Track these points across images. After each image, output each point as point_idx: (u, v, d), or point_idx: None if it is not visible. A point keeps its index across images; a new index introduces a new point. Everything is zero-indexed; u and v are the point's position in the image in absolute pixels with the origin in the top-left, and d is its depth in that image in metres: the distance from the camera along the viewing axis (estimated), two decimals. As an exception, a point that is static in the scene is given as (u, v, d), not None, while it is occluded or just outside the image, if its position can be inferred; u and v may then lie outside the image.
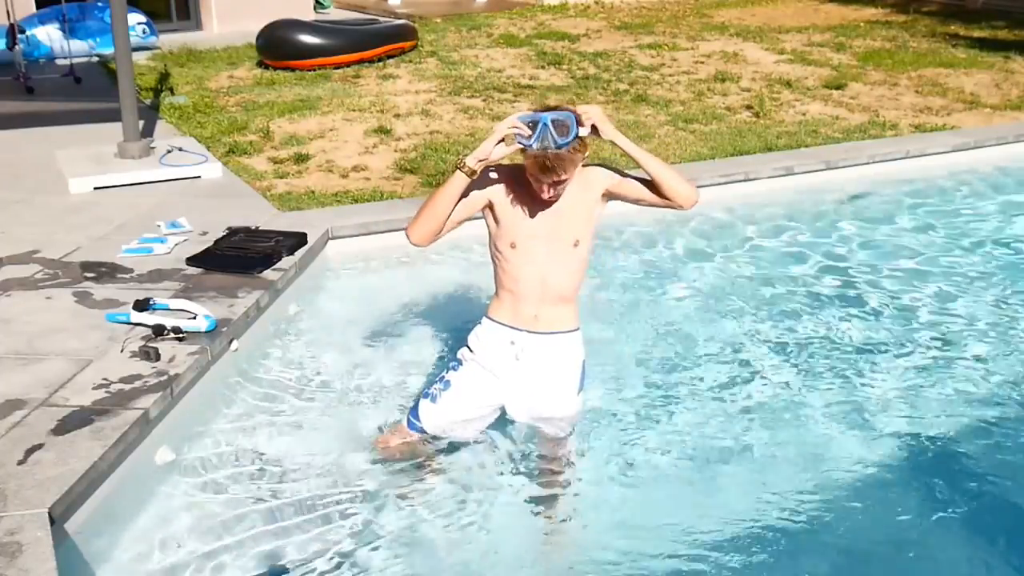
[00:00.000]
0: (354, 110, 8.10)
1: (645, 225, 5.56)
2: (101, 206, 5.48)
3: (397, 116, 7.92)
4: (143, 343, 3.67)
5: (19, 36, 8.88)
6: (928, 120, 7.91)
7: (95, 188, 5.76)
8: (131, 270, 4.49)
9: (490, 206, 3.17)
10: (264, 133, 7.27)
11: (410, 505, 3.22)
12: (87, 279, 4.38)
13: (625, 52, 10.83)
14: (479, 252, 4.56)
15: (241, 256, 4.57)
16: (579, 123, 2.94)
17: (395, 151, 6.95)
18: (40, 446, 2.99)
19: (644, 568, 2.97)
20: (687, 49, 11.03)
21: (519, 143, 2.95)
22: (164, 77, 9.26)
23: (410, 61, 10.27)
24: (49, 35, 9.92)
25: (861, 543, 3.12)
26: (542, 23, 12.97)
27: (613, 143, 3.03)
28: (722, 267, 5.27)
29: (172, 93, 8.62)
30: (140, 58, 9.74)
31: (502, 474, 3.35)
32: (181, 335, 3.72)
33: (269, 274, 4.43)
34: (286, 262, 4.57)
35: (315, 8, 13.69)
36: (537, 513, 3.26)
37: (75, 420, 3.14)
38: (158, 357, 3.56)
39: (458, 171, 3.02)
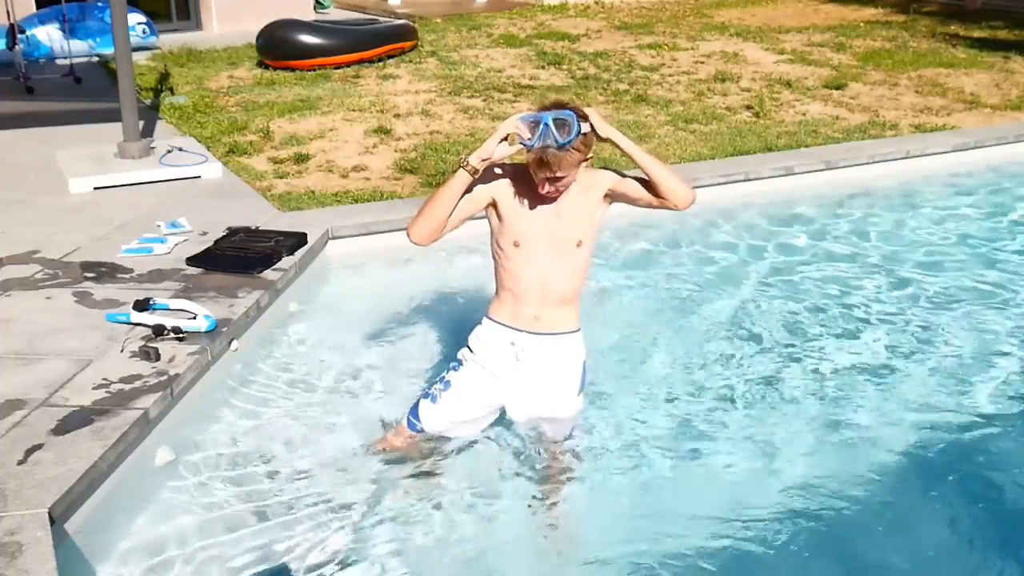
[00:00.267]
0: (354, 110, 8.10)
1: (645, 225, 5.56)
2: (101, 206, 5.48)
3: (397, 116, 7.92)
4: (143, 343, 3.67)
5: (19, 36, 8.87)
6: (928, 120, 7.92)
7: (95, 188, 5.76)
8: (131, 270, 4.49)
9: (493, 204, 3.17)
10: (264, 133, 7.27)
11: (410, 505, 3.22)
12: (87, 279, 4.38)
13: (625, 52, 10.83)
14: (479, 252, 4.56)
15: (241, 256, 4.57)
16: (583, 118, 2.95)
17: (395, 151, 6.95)
18: (40, 446, 2.99)
19: (645, 567, 2.97)
20: (687, 49, 11.03)
21: (521, 144, 2.96)
22: (164, 77, 9.26)
23: (410, 61, 10.27)
24: (49, 35, 9.92)
25: (862, 543, 3.11)
26: (542, 23, 12.97)
27: (610, 141, 3.03)
28: (722, 267, 5.27)
29: (172, 93, 8.62)
30: (140, 58, 9.75)
31: (502, 474, 3.35)
32: (181, 335, 3.71)
33: (269, 274, 4.43)
34: (286, 262, 4.57)
35: (315, 8, 13.69)
36: (537, 513, 3.26)
37: (75, 420, 3.14)
38: (158, 357, 3.56)
39: (461, 170, 3.02)
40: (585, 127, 2.95)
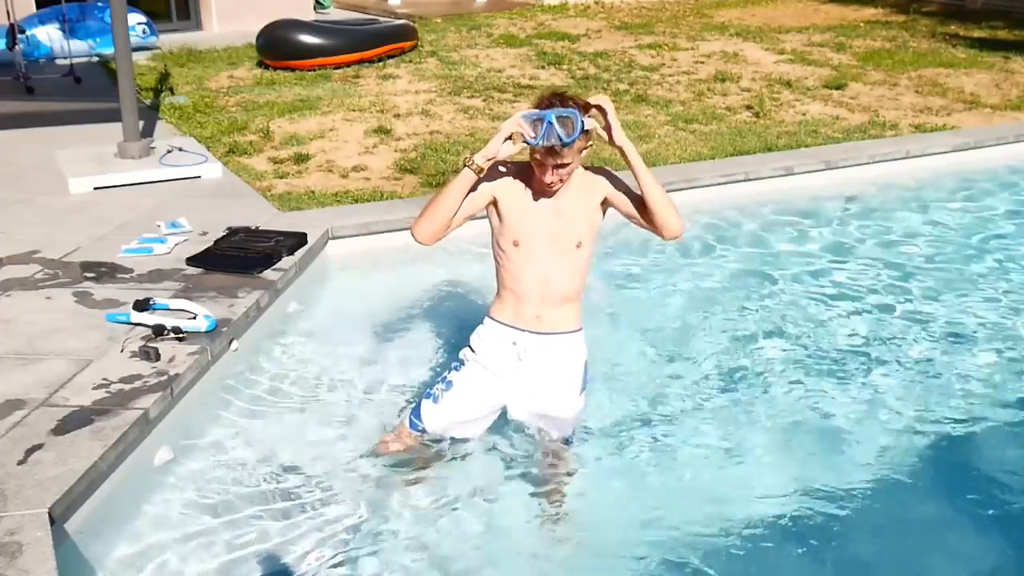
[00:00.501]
0: (354, 110, 8.10)
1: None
2: (101, 206, 5.48)
3: (397, 116, 7.92)
4: (143, 343, 3.66)
5: (19, 36, 8.87)
6: (928, 120, 7.92)
7: (95, 188, 5.76)
8: (131, 270, 4.49)
9: (494, 202, 3.17)
10: (264, 133, 7.27)
11: (412, 505, 3.22)
12: (87, 279, 4.38)
13: (625, 52, 10.83)
14: (480, 252, 4.56)
15: (241, 256, 4.57)
16: (586, 109, 2.96)
17: (395, 151, 6.95)
18: (40, 446, 2.99)
19: (646, 567, 2.97)
20: (687, 49, 11.03)
21: (525, 142, 2.97)
22: (164, 77, 9.26)
23: (410, 61, 10.27)
24: (49, 35, 9.92)
25: (864, 543, 3.11)
26: (542, 23, 12.97)
27: (621, 151, 3.03)
28: (722, 267, 5.27)
29: (172, 93, 8.62)
30: (140, 58, 9.75)
31: (504, 474, 3.35)
32: (181, 335, 3.71)
33: (269, 274, 4.43)
34: (286, 262, 4.57)
35: (315, 8, 13.69)
36: (539, 513, 3.26)
37: (75, 420, 3.14)
38: (158, 357, 3.55)
39: (466, 169, 3.03)
40: (588, 123, 2.96)
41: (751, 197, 6.23)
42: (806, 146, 7.09)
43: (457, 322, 4.19)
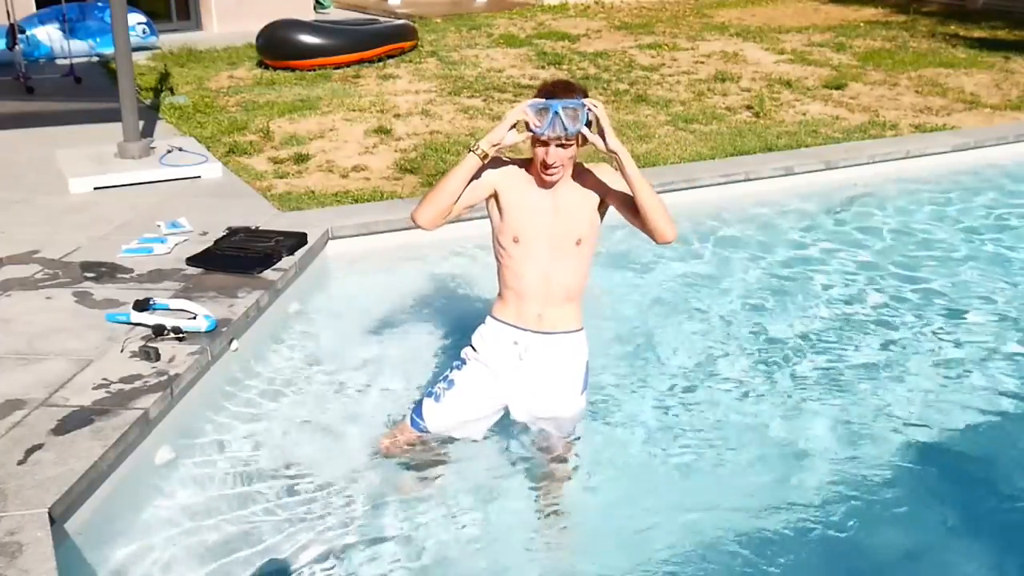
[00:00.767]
0: (354, 110, 8.10)
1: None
2: (101, 206, 5.48)
3: (397, 116, 7.92)
4: (143, 343, 3.66)
5: (19, 36, 8.88)
6: (928, 120, 7.92)
7: (95, 188, 5.76)
8: (131, 270, 4.49)
9: (495, 196, 3.18)
10: (264, 133, 7.27)
11: (412, 504, 3.22)
12: (87, 279, 4.38)
13: (625, 52, 10.83)
14: (480, 252, 4.57)
15: (241, 256, 4.57)
16: (584, 94, 3.00)
17: (395, 151, 6.95)
18: (40, 446, 2.99)
19: (648, 568, 2.97)
20: (687, 49, 11.03)
21: (530, 131, 2.99)
22: (164, 77, 9.26)
23: (410, 61, 10.27)
24: (49, 35, 9.92)
25: (866, 544, 3.11)
26: (542, 23, 12.97)
27: (615, 157, 3.03)
28: (723, 266, 5.27)
29: (172, 93, 8.62)
30: (140, 58, 9.75)
31: (505, 474, 3.35)
32: (181, 335, 3.71)
33: (269, 274, 4.42)
34: (286, 262, 4.57)
35: (315, 8, 13.70)
36: (540, 512, 3.26)
37: (75, 420, 3.14)
38: (158, 357, 3.55)
39: (470, 154, 3.03)
40: (586, 130, 2.98)
41: (751, 197, 6.23)
42: (806, 146, 7.09)
43: (458, 321, 4.20)
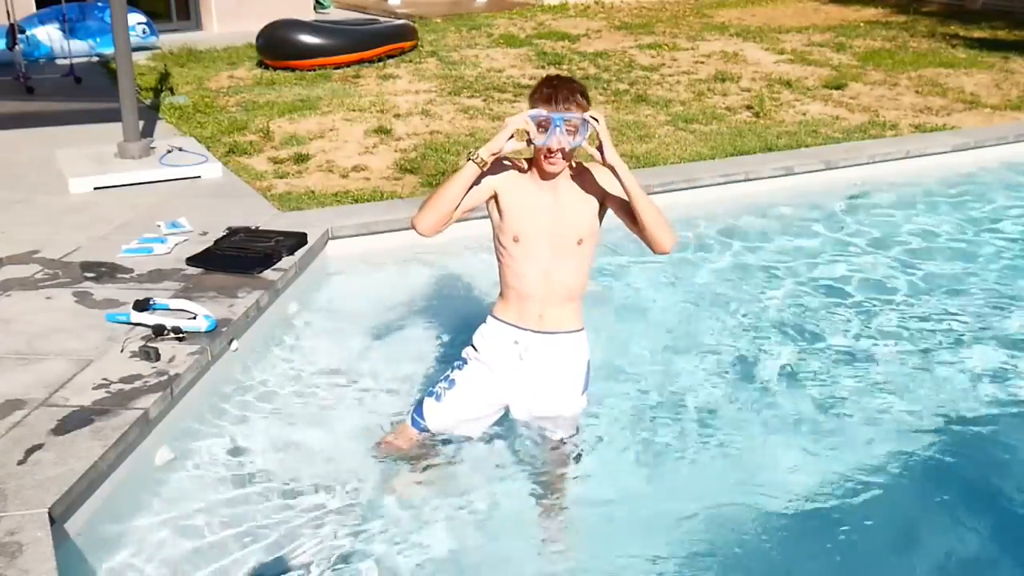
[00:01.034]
0: (354, 110, 8.09)
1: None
2: (101, 206, 5.48)
3: (397, 116, 7.92)
4: (143, 343, 3.66)
5: (19, 36, 8.87)
6: (928, 120, 7.92)
7: (95, 188, 5.76)
8: (131, 270, 4.49)
9: (495, 197, 3.18)
10: (264, 133, 7.27)
11: (413, 504, 3.21)
12: (87, 279, 4.38)
13: (625, 52, 10.83)
14: (481, 252, 4.56)
15: (241, 256, 4.57)
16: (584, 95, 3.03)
17: (395, 151, 6.95)
18: (40, 446, 2.99)
19: (649, 568, 2.97)
20: (687, 49, 11.03)
21: (529, 143, 3.01)
22: (164, 77, 9.26)
23: (410, 61, 10.27)
24: (49, 35, 9.92)
25: (866, 545, 3.11)
26: (542, 23, 12.97)
27: (613, 170, 3.03)
28: (723, 266, 5.27)
29: (172, 93, 8.62)
30: (140, 58, 9.75)
31: (506, 473, 3.35)
32: (181, 335, 3.71)
33: (269, 274, 4.42)
34: (286, 262, 4.57)
35: (315, 8, 13.69)
36: (541, 513, 3.26)
37: (75, 420, 3.14)
38: (158, 357, 3.55)
39: (470, 162, 3.04)
40: (591, 126, 2.98)
41: (751, 197, 6.23)
42: (806, 146, 7.09)
43: (458, 321, 4.20)
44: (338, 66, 9.73)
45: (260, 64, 9.91)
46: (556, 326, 3.26)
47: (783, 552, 3.05)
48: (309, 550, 2.98)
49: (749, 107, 8.34)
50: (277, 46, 9.69)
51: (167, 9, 12.84)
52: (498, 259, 3.29)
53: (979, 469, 3.52)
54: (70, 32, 9.72)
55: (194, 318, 3.81)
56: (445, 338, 4.27)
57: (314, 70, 9.56)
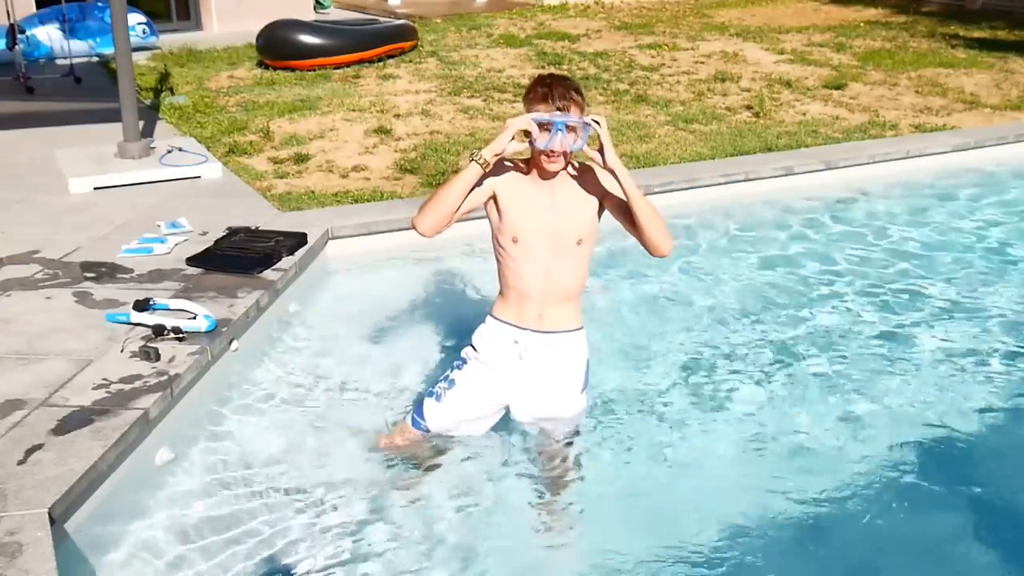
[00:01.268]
0: (354, 110, 8.09)
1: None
2: (101, 206, 5.48)
3: (397, 116, 7.92)
4: (143, 343, 3.66)
5: (19, 36, 8.87)
6: (928, 120, 7.92)
7: (95, 188, 5.76)
8: (131, 270, 4.49)
9: (494, 198, 3.18)
10: (264, 133, 7.27)
11: (413, 504, 3.22)
12: (87, 279, 4.38)
13: (625, 52, 10.83)
14: (481, 252, 4.57)
15: (241, 256, 4.57)
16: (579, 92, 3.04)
17: (395, 151, 6.95)
18: (40, 446, 2.99)
19: (649, 568, 2.97)
20: (687, 49, 11.03)
21: (530, 144, 3.02)
22: (164, 77, 9.26)
23: (410, 61, 10.27)
24: (49, 35, 9.92)
25: (866, 545, 3.11)
26: (542, 23, 12.97)
27: (613, 173, 3.04)
28: (723, 266, 5.27)
29: (172, 93, 8.62)
30: (140, 58, 9.75)
31: (506, 473, 3.35)
32: (181, 335, 3.71)
33: (269, 274, 4.43)
34: (286, 262, 4.57)
35: (315, 8, 13.69)
36: (541, 512, 3.26)
37: (75, 420, 3.14)
38: (158, 357, 3.55)
39: (473, 163, 3.04)
40: (593, 128, 2.99)
41: (751, 197, 6.23)
42: (806, 146, 7.09)
43: (458, 321, 4.20)
44: (338, 66, 9.73)
45: (260, 64, 9.91)
46: (556, 325, 3.26)
47: (783, 552, 3.05)
48: (309, 550, 2.98)
49: (749, 107, 8.34)
50: (277, 46, 9.69)
51: (167, 9, 12.84)
52: (497, 259, 3.29)
53: (979, 469, 3.52)
54: (70, 32, 9.72)
55: (194, 318, 3.81)
56: (445, 338, 4.27)
57: (314, 70, 9.56)
